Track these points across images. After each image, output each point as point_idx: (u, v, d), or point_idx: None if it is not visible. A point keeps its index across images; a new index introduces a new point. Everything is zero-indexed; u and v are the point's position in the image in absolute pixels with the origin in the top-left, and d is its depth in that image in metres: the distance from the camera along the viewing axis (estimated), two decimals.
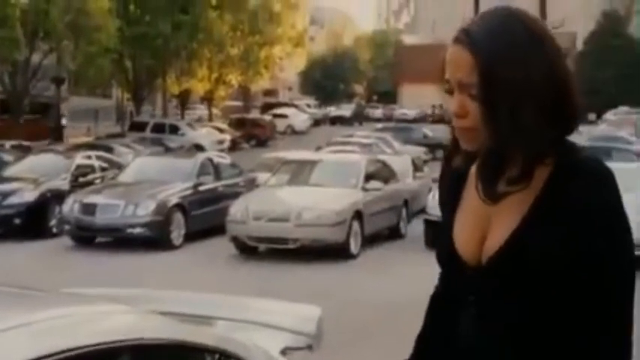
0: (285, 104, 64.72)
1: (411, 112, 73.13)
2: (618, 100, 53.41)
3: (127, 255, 13.91)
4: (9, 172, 17.60)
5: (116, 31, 37.52)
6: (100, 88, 56.25)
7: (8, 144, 26.66)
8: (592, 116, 49.04)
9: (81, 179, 17.41)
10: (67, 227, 14.99)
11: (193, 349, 2.61)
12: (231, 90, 57.98)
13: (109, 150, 23.81)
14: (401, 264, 12.95)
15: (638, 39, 63.92)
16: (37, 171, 17.15)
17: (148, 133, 35.52)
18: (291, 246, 13.42)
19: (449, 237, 1.89)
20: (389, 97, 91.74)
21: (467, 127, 1.76)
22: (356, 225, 13.83)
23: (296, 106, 63.01)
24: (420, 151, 29.84)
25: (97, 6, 35.74)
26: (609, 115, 45.98)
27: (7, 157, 20.78)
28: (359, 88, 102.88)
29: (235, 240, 13.94)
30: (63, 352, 2.05)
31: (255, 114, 56.74)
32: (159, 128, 37.25)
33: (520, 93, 1.70)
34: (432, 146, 32.88)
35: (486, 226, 1.82)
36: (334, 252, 13.45)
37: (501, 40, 1.72)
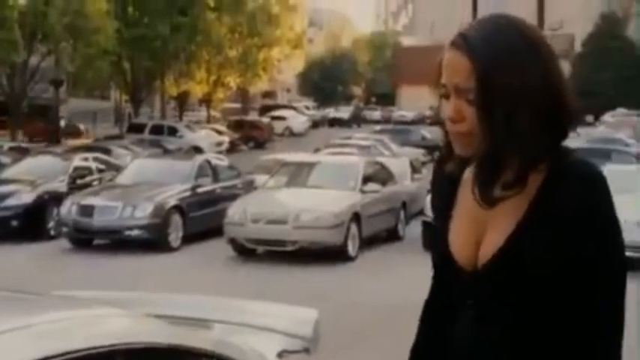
0: (284, 106, 64.74)
1: (409, 114, 73.14)
2: (616, 102, 53.45)
3: (124, 257, 13.89)
4: (6, 174, 17.58)
5: (114, 33, 37.51)
6: (99, 90, 56.33)
7: (6, 146, 26.64)
8: (590, 118, 49.06)
9: (79, 181, 17.39)
10: (64, 229, 14.97)
11: (188, 353, 2.60)
12: (230, 92, 57.97)
13: (107, 152, 23.80)
14: (399, 266, 12.94)
15: (637, 41, 63.95)
16: (34, 173, 17.12)
17: (146, 135, 35.51)
18: (289, 248, 13.41)
19: (444, 241, 1.89)
20: (387, 98, 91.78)
21: (462, 132, 1.77)
22: (354, 227, 13.82)
23: (294, 108, 63.01)
24: (418, 153, 29.82)
25: (96, 8, 35.73)
26: (607, 117, 45.99)
27: (5, 159, 20.77)
28: (357, 90, 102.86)
29: (233, 242, 13.92)
30: (57, 356, 2.04)
31: (253, 116, 56.72)
32: (157, 130, 37.24)
33: (516, 99, 1.71)
34: (430, 148, 32.84)
35: (481, 230, 1.83)
36: (332, 254, 13.44)
37: (499, 47, 1.73)
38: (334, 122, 67.08)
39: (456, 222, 1.88)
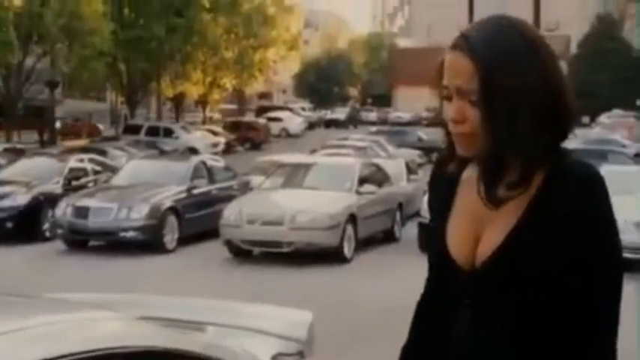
0: (280, 107, 64.83)
1: (405, 115, 73.29)
2: (612, 104, 53.59)
3: (120, 259, 13.86)
4: (1, 175, 17.52)
5: (110, 35, 37.48)
6: (94, 91, 56.29)
7: (1, 147, 26.59)
8: (586, 119, 49.17)
9: (74, 182, 17.33)
10: (59, 231, 14.93)
11: (181, 357, 2.57)
12: (226, 93, 57.99)
13: (103, 153, 23.77)
14: (395, 267, 12.92)
15: (637, 43, 64.03)
16: (29, 174, 17.07)
17: (142, 136, 35.53)
18: (285, 249, 13.39)
19: (442, 241, 1.90)
20: (383, 100, 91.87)
21: (465, 133, 1.78)
22: (350, 228, 13.80)
23: (291, 110, 63.08)
24: (414, 155, 29.85)
25: (91, 9, 35.70)
26: (603, 118, 46.13)
27: (0, 161, 20.72)
28: (353, 91, 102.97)
29: (229, 243, 13.89)
30: (48, 359, 2.02)
31: (249, 117, 56.74)
32: (153, 131, 37.25)
33: (517, 100, 1.73)
34: (426, 149, 32.88)
35: (480, 229, 1.84)
36: (328, 255, 13.42)
37: (500, 48, 1.75)
38: (330, 123, 67.19)
39: (455, 221, 1.89)
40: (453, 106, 1.78)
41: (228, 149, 38.53)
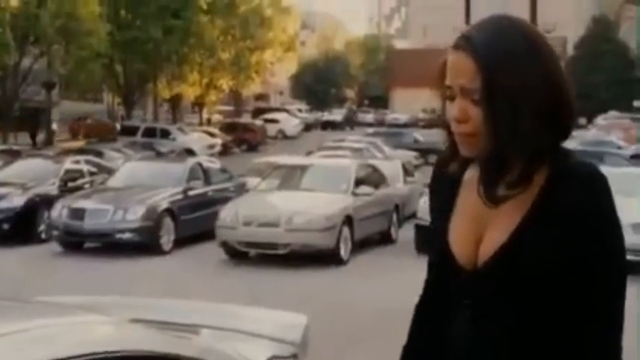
0: (277, 109, 64.77)
1: (402, 117, 73.31)
2: (609, 105, 53.67)
3: (116, 260, 13.84)
4: None
5: (107, 36, 37.51)
6: (91, 92, 56.28)
7: None
8: (582, 121, 49.24)
9: (70, 184, 17.28)
10: (55, 232, 14.90)
11: None
12: (223, 95, 57.98)
13: (100, 154, 23.72)
14: (392, 269, 12.91)
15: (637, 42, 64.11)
16: (25, 176, 17.02)
17: (138, 138, 35.52)
18: (281, 251, 13.38)
19: (444, 241, 1.90)
20: (380, 101, 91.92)
21: (468, 133, 1.79)
22: (346, 230, 13.79)
23: (287, 111, 63.01)
24: (410, 156, 29.85)
25: (88, 10, 35.70)
26: (600, 120, 46.16)
27: None
28: (350, 93, 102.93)
29: (225, 245, 13.88)
30: None
31: (246, 118, 56.73)
32: (150, 133, 37.24)
33: (518, 99, 1.73)
34: (423, 151, 32.91)
35: (482, 229, 1.85)
36: (324, 257, 13.41)
37: (501, 47, 1.76)
38: (327, 125, 67.17)
39: (457, 221, 1.90)
40: (456, 106, 1.78)
41: (224, 151, 38.54)
